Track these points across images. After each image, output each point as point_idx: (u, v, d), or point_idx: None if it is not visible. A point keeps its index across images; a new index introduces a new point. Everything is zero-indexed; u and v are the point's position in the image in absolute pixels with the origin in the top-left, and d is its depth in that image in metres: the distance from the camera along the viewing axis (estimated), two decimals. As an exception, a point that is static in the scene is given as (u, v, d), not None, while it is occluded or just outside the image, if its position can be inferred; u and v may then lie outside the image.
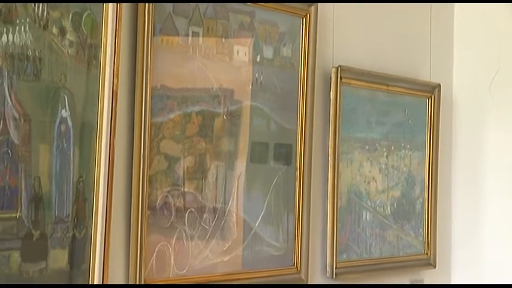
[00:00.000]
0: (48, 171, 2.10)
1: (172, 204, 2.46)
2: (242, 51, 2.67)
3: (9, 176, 2.01)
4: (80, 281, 2.19)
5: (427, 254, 3.49)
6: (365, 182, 3.21)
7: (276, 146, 2.80)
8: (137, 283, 2.32)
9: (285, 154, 2.82)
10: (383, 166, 3.29)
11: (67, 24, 2.14)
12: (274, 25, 2.77)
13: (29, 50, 2.04)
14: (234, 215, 2.64)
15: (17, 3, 2.01)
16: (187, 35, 2.50)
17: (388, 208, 3.32)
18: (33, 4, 2.05)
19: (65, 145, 2.15)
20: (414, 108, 3.43)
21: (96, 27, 2.21)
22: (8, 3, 1.99)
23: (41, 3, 2.07)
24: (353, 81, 3.08)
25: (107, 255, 2.23)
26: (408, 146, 3.42)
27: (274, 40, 2.77)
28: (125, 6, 2.29)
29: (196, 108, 2.52)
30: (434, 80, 3.55)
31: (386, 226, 3.30)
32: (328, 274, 3.00)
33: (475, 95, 3.65)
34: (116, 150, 2.26)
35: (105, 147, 2.23)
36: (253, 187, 2.71)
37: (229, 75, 2.62)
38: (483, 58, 3.63)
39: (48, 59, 2.09)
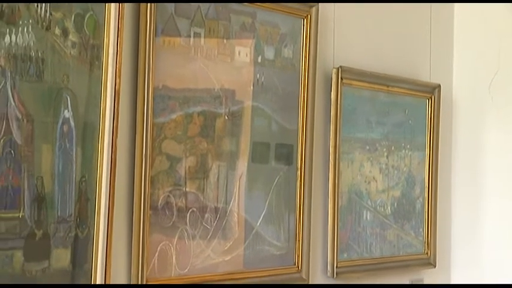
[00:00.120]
0: (50, 171, 2.10)
1: (174, 204, 2.47)
2: (243, 52, 2.68)
3: (12, 176, 2.01)
4: (82, 280, 2.19)
5: (427, 253, 3.50)
6: (365, 181, 3.22)
7: (277, 146, 2.81)
8: (139, 282, 2.33)
9: (286, 154, 2.83)
10: (383, 166, 3.30)
11: (69, 25, 2.15)
12: (275, 26, 2.78)
13: (32, 51, 2.05)
14: (236, 215, 2.65)
15: (19, 4, 2.01)
16: (189, 36, 2.51)
17: (389, 208, 3.33)
18: (36, 5, 2.05)
19: (68, 145, 2.15)
20: (414, 108, 3.44)
21: (98, 28, 2.22)
22: (11, 4, 1.99)
23: (43, 4, 2.07)
24: (354, 82, 3.09)
25: (109, 254, 2.24)
26: (408, 146, 3.43)
27: (275, 41, 2.78)
28: (127, 7, 2.29)
29: (198, 108, 2.53)
30: (434, 80, 3.55)
31: (386, 226, 3.31)
32: (329, 273, 3.00)
33: (475, 95, 3.66)
34: (118, 150, 2.26)
35: (108, 148, 2.23)
36: (255, 187, 2.72)
37: (231, 76, 2.63)
38: (483, 58, 3.63)
39: (51, 60, 2.09)
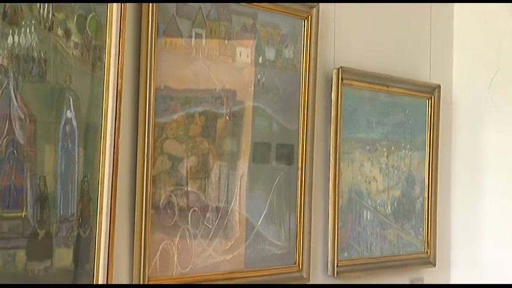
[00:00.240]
0: (53, 171, 2.11)
1: (176, 204, 2.47)
2: (244, 52, 2.69)
3: (14, 175, 2.02)
4: (85, 280, 2.20)
5: (427, 252, 3.51)
6: (366, 181, 3.22)
7: (278, 146, 2.82)
8: (141, 281, 2.34)
9: (286, 154, 2.84)
10: (383, 166, 3.31)
11: (72, 26, 2.15)
12: (276, 27, 2.79)
13: (35, 52, 2.05)
14: (237, 214, 2.66)
15: (22, 5, 2.02)
16: (191, 37, 2.51)
17: (389, 207, 3.34)
18: (38, 6, 2.06)
19: (70, 145, 2.16)
20: (414, 108, 3.45)
21: (100, 28, 2.23)
22: (13, 5, 2.00)
23: (46, 5, 2.08)
24: (354, 82, 3.10)
25: (111, 253, 2.24)
26: (408, 146, 3.43)
27: (276, 42, 2.79)
28: (129, 8, 2.29)
29: (199, 108, 2.54)
30: (434, 80, 3.56)
31: (386, 225, 3.32)
32: (329, 272, 3.01)
33: (475, 96, 3.66)
34: (120, 150, 2.27)
35: (110, 148, 2.24)
36: (256, 187, 2.73)
37: (232, 77, 2.64)
38: (483, 58, 3.64)
39: (54, 61, 2.10)
